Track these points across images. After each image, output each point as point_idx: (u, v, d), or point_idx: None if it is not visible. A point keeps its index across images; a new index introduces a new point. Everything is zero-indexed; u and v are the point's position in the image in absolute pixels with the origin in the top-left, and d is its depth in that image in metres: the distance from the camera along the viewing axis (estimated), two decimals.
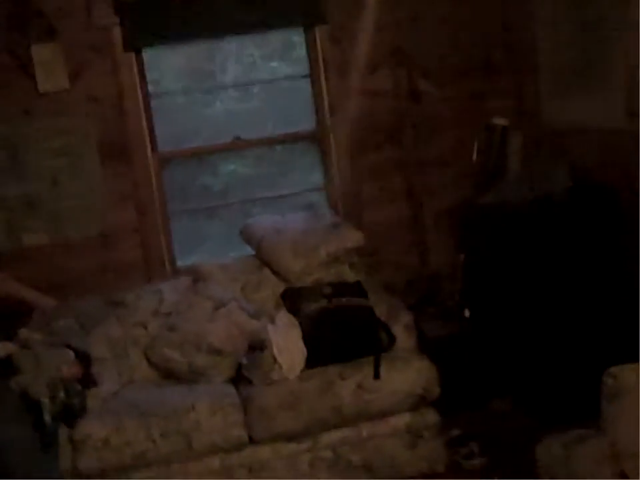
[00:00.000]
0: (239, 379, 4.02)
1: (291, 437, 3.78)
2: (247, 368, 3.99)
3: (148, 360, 4.22)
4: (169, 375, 4.17)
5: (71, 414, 3.69)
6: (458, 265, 4.86)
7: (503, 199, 4.58)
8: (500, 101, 5.03)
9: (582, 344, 4.18)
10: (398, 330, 4.06)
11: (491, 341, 4.56)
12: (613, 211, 4.30)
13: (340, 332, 3.98)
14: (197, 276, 4.52)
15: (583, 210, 4.27)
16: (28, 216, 4.66)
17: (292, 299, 4.23)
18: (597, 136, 4.47)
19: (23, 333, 4.07)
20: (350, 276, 4.46)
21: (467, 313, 4.67)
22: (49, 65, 4.59)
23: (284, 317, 4.11)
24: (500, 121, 4.87)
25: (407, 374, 3.86)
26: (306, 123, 5.09)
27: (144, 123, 4.77)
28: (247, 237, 4.66)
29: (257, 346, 4.01)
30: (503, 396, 4.42)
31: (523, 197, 4.43)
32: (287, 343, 3.95)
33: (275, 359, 3.89)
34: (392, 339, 4.02)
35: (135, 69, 4.74)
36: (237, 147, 5.00)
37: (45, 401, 3.60)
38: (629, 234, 4.19)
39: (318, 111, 5.01)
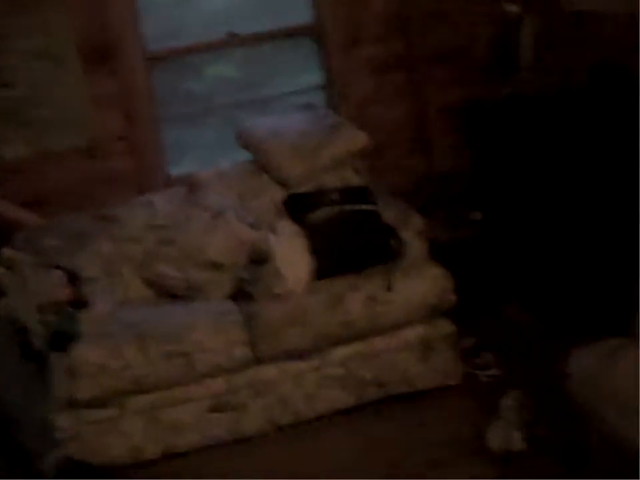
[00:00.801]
0: (239, 294, 3.77)
1: (298, 355, 3.54)
2: (249, 282, 3.74)
3: (142, 277, 3.94)
4: (165, 292, 3.93)
5: (63, 339, 3.44)
6: (467, 166, 4.57)
7: (516, 93, 4.26)
8: None
9: (599, 248, 3.90)
10: (409, 236, 3.79)
11: (505, 245, 4.30)
12: (634, 96, 3.97)
13: (348, 240, 3.73)
14: (191, 185, 4.24)
15: (604, 97, 3.93)
16: (6, 126, 4.32)
17: (295, 206, 3.94)
18: (618, 20, 4.11)
19: (7, 252, 3.79)
20: (354, 180, 4.18)
21: (477, 216, 4.40)
22: None
23: (287, 226, 3.84)
24: (512, 8, 4.51)
25: (421, 283, 3.62)
26: (302, 16, 4.69)
27: (129, 19, 4.38)
28: (243, 140, 4.35)
29: (259, 258, 3.75)
30: (517, 302, 4.17)
31: (540, 89, 4.09)
32: (292, 253, 3.70)
33: (279, 271, 3.62)
34: (403, 246, 3.74)
35: None
36: (232, 43, 4.63)
37: (36, 325, 3.35)
38: None
39: (315, 1, 4.62)
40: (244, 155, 4.39)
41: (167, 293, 3.92)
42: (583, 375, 2.81)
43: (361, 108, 4.66)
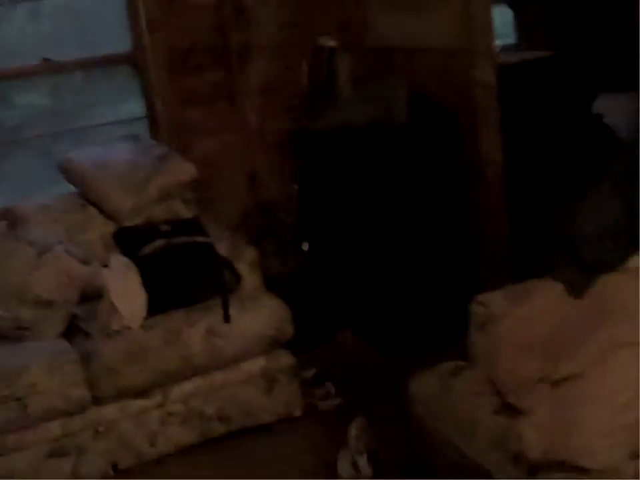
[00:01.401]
0: (72, 332, 3.63)
1: (138, 393, 3.47)
2: (83, 319, 3.62)
3: None
4: None
5: None
6: (293, 196, 4.64)
7: (337, 124, 4.38)
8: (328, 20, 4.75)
9: (422, 272, 4.09)
10: (243, 268, 3.80)
11: (333, 274, 4.41)
12: (452, 132, 4.20)
13: (182, 273, 3.68)
14: (11, 220, 4.05)
15: (423, 131, 4.12)
16: None
17: (126, 240, 3.86)
18: (430, 55, 4.33)
19: None
20: (184, 212, 4.15)
21: (305, 247, 4.48)
22: None
23: (118, 260, 3.75)
24: (328, 42, 4.64)
25: (258, 315, 3.63)
26: (120, 43, 4.61)
27: None
28: (66, 172, 4.22)
29: (92, 294, 3.63)
30: (350, 329, 4.28)
31: (359, 120, 4.23)
32: (126, 288, 3.61)
33: (114, 307, 3.53)
34: (237, 277, 3.76)
35: None
36: (46, 70, 4.48)
37: None
38: (467, 155, 4.12)
39: (134, 28, 4.56)
40: (61, 188, 4.25)
41: None
42: (424, 398, 2.93)
43: (184, 138, 4.62)
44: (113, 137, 4.57)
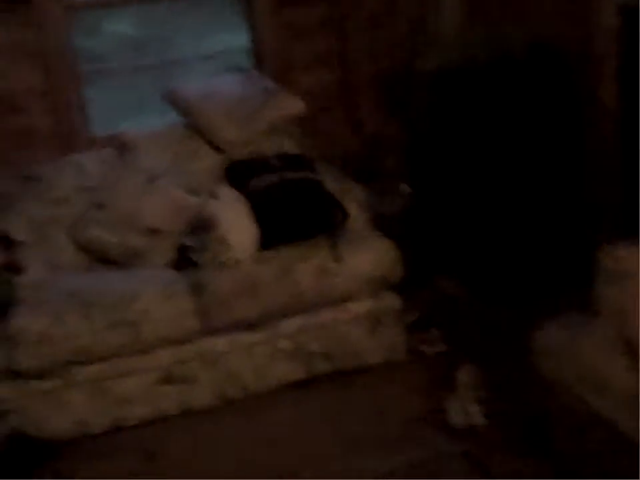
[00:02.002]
0: (181, 261, 3.63)
1: (247, 326, 3.47)
2: (193, 250, 3.61)
3: (74, 241, 3.75)
4: (99, 257, 3.75)
5: (1, 306, 3.23)
6: (396, 137, 4.57)
7: (448, 64, 4.26)
8: None
9: (535, 218, 4.01)
10: (351, 207, 3.75)
11: (436, 217, 4.35)
12: (569, 78, 4.07)
13: (293, 208, 3.66)
14: (121, 146, 4.05)
15: (540, 71, 4.00)
16: None
17: (237, 173, 3.83)
18: None
19: None
20: (291, 147, 4.10)
21: (405, 189, 4.42)
22: None
23: (229, 193, 3.72)
24: None
25: (368, 254, 3.60)
26: None
27: None
28: (172, 102, 4.18)
29: (202, 225, 3.63)
30: (445, 274, 4.23)
31: (473, 61, 4.12)
32: (236, 221, 3.59)
33: (225, 239, 3.52)
34: (345, 215, 3.71)
35: None
36: None
37: None
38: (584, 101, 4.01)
39: None
40: (169, 117, 4.22)
41: (102, 259, 3.74)
42: (549, 349, 2.87)
43: (289, 72, 4.56)
44: (218, 67, 4.51)
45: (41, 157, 4.10)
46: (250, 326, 3.47)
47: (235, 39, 4.73)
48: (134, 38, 4.65)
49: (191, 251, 3.61)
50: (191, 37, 4.69)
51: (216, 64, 4.62)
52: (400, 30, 4.67)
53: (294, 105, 4.14)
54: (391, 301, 3.65)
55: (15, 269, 3.44)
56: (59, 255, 3.72)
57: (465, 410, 3.14)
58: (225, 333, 3.44)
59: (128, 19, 4.66)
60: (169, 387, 3.38)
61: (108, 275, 3.60)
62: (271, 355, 3.50)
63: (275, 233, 3.58)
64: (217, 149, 4.03)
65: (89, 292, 3.39)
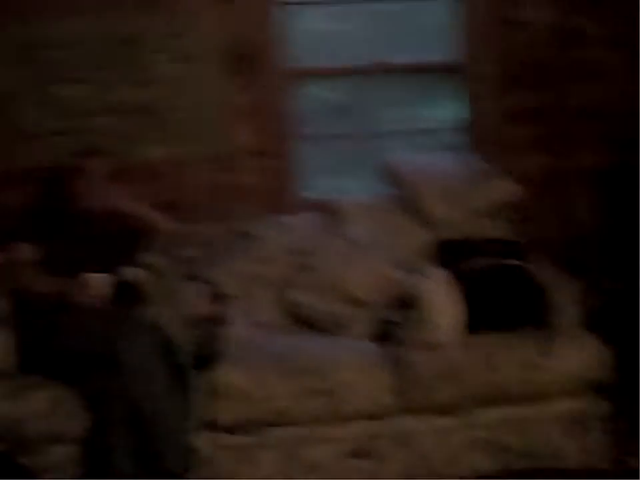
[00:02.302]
0: (382, 335, 3.58)
1: (445, 410, 3.36)
2: (396, 325, 3.55)
3: (277, 302, 3.77)
4: (299, 320, 3.75)
5: (208, 357, 3.27)
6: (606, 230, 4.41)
7: None
8: None
9: None
10: (562, 300, 3.61)
11: None
12: None
13: (504, 295, 3.54)
14: (329, 212, 4.07)
15: None
16: (143, 126, 4.18)
17: (448, 253, 3.77)
18: None
19: (147, 258, 3.65)
20: (501, 232, 4.00)
21: (616, 284, 4.23)
22: None
23: (438, 272, 3.65)
24: None
25: (578, 353, 3.44)
26: (440, 52, 4.56)
27: (276, 32, 4.24)
28: (385, 173, 4.19)
29: (407, 301, 3.57)
30: None
31: None
32: (443, 301, 3.51)
33: (429, 319, 3.44)
34: (554, 309, 3.57)
35: None
36: (376, 70, 4.47)
37: (182, 339, 3.19)
38: None
39: (462, 38, 4.47)
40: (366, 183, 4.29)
41: (302, 321, 3.74)
42: None
43: (502, 155, 4.48)
44: (430, 143, 4.50)
45: (253, 213, 4.16)
46: (447, 410, 3.36)
47: (446, 114, 4.70)
48: (340, 104, 4.69)
49: (393, 326, 3.56)
50: (400, 109, 4.71)
51: (427, 139, 4.62)
52: (617, 123, 4.52)
53: (509, 190, 4.06)
54: (598, 404, 3.47)
55: (220, 321, 3.47)
56: (261, 312, 3.75)
57: None
58: (421, 413, 3.35)
59: (335, 86, 4.72)
60: (357, 461, 3.32)
61: (309, 339, 3.58)
62: (466, 443, 3.38)
63: (483, 318, 3.48)
64: (426, 225, 3.98)
65: (291, 355, 3.39)
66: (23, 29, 3.96)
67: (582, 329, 3.56)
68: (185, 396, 3.20)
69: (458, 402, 3.36)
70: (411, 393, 3.33)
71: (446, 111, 4.75)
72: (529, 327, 3.50)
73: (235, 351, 3.37)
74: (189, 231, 3.89)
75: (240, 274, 3.80)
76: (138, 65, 4.09)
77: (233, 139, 4.25)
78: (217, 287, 3.56)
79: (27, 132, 4.04)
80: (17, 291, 3.41)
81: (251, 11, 4.15)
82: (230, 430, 3.24)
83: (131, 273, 3.52)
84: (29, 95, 4.02)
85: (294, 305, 3.75)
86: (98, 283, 3.27)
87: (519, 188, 4.03)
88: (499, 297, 3.52)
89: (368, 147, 4.67)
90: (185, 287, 3.47)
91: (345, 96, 4.74)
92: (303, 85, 4.41)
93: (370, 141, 4.69)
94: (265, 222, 4.05)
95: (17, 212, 3.76)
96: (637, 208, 4.22)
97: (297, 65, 4.31)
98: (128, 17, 4.05)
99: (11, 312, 3.40)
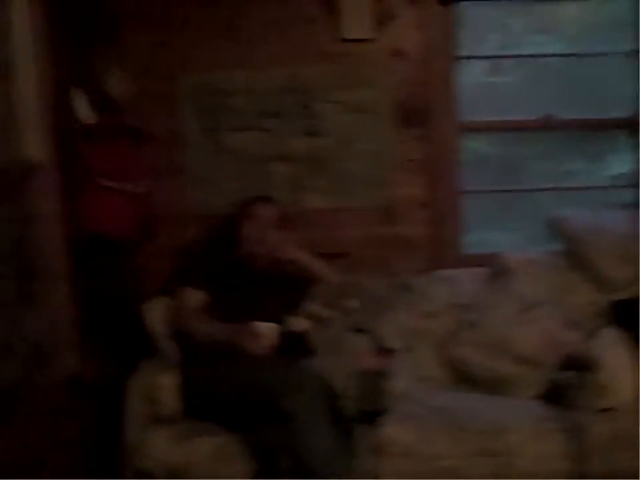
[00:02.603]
0: (552, 397, 3.42)
1: (622, 478, 3.16)
2: (568, 388, 3.39)
3: (440, 357, 3.68)
4: (463, 377, 3.64)
5: (372, 411, 3.19)
6: None
7: None
8: None
9: None
10: None
11: None
12: None
13: None
14: (497, 268, 3.96)
15: None
16: (312, 174, 4.17)
17: (624, 313, 3.59)
18: None
19: (313, 308, 3.62)
20: None
21: None
22: (356, 10, 4.07)
23: (614, 334, 3.49)
24: None
25: None
26: (616, 108, 4.38)
27: (448, 87, 4.19)
28: (557, 230, 4.05)
29: (580, 363, 3.41)
30: None
31: None
32: (620, 365, 3.33)
33: (605, 383, 3.27)
34: None
35: (447, 26, 4.16)
36: (547, 126, 4.35)
37: (347, 392, 3.12)
38: None
39: (632, 94, 4.30)
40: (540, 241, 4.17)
41: (465, 378, 3.63)
42: None
43: None
44: (599, 199, 4.35)
45: (415, 266, 4.11)
46: (625, 478, 3.16)
47: (615, 170, 4.55)
48: (503, 158, 4.61)
49: (565, 389, 3.40)
50: (566, 164, 4.59)
51: (596, 196, 4.47)
52: None
53: None
54: None
55: (385, 375, 3.39)
56: (423, 367, 3.67)
57: None
58: None
59: (497, 139, 4.62)
60: None
61: (475, 398, 3.47)
62: None
63: None
64: (598, 284, 3.81)
65: (458, 413, 3.28)
66: (201, 77, 4.04)
67: None
68: (349, 450, 3.11)
69: (637, 470, 3.15)
70: (586, 459, 3.16)
71: (615, 166, 4.59)
72: None
73: (398, 405, 3.28)
74: (352, 282, 3.84)
75: (403, 328, 3.73)
76: (310, 114, 4.09)
77: (398, 190, 4.18)
78: (381, 340, 3.48)
79: (200, 177, 4.10)
80: (184, 336, 3.44)
81: (425, 64, 4.12)
82: None
83: (297, 322, 3.50)
84: (204, 141, 4.08)
85: (458, 361, 3.65)
86: (268, 332, 3.25)
87: None
88: None
89: (530, 202, 4.55)
90: (350, 338, 3.40)
91: (508, 149, 4.63)
92: (467, 138, 4.33)
93: (533, 195, 4.55)
94: (428, 275, 3.96)
95: (188, 257, 3.82)
96: None
97: (464, 118, 4.24)
98: (303, 68, 4.06)
99: (179, 357, 3.42)
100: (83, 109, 3.38)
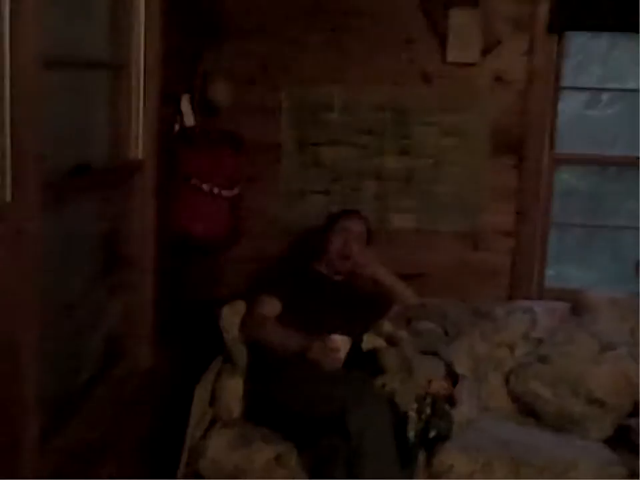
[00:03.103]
0: (619, 442, 3.39)
1: None
2: (635, 432, 3.35)
3: (509, 389, 3.67)
4: (529, 412, 3.64)
5: (434, 436, 3.20)
6: None
7: None
8: None
9: None
10: None
11: None
12: None
13: None
14: (576, 304, 3.93)
15: None
16: (402, 194, 4.21)
17: None
18: None
19: (387, 327, 3.66)
20: None
21: None
22: (463, 33, 4.07)
23: None
24: None
25: None
26: None
27: (548, 117, 4.17)
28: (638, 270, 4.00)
29: None
30: None
31: None
32: None
33: None
34: None
35: (552, 54, 4.13)
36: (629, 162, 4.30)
37: (413, 414, 3.14)
38: None
39: None
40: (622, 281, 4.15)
41: (531, 412, 3.62)
42: None
43: None
44: None
45: (495, 294, 4.12)
46: None
47: None
48: (585, 192, 4.56)
49: (631, 433, 3.36)
50: None
51: None
52: None
53: None
54: None
55: (451, 401, 3.41)
56: (491, 396, 3.66)
57: None
58: None
59: (581, 173, 4.56)
60: None
61: (540, 433, 3.46)
62: None
63: None
64: None
65: (520, 447, 3.27)
66: (302, 91, 4.12)
67: None
68: (409, 473, 3.14)
69: None
70: None
71: None
72: None
73: (460, 433, 3.30)
74: (430, 305, 3.87)
75: (475, 355, 3.74)
76: (406, 134, 4.13)
77: (486, 217, 4.19)
78: (451, 365, 3.50)
79: (292, 188, 4.19)
80: (255, 342, 3.50)
81: (527, 92, 4.11)
82: None
83: (370, 339, 3.54)
84: (299, 153, 4.17)
85: (525, 393, 3.64)
86: (341, 344, 3.28)
87: None
88: None
89: (614, 240, 4.49)
90: (420, 361, 3.42)
91: (597, 184, 4.57)
92: (559, 170, 4.31)
93: (617, 233, 4.49)
94: (507, 305, 3.96)
95: (270, 264, 3.90)
96: None
97: (559, 150, 4.22)
98: (403, 88, 4.11)
99: (248, 362, 3.49)
100: (188, 113, 3.49)
